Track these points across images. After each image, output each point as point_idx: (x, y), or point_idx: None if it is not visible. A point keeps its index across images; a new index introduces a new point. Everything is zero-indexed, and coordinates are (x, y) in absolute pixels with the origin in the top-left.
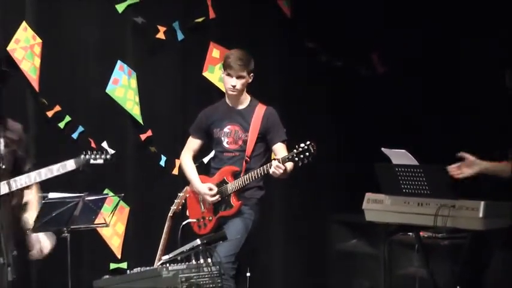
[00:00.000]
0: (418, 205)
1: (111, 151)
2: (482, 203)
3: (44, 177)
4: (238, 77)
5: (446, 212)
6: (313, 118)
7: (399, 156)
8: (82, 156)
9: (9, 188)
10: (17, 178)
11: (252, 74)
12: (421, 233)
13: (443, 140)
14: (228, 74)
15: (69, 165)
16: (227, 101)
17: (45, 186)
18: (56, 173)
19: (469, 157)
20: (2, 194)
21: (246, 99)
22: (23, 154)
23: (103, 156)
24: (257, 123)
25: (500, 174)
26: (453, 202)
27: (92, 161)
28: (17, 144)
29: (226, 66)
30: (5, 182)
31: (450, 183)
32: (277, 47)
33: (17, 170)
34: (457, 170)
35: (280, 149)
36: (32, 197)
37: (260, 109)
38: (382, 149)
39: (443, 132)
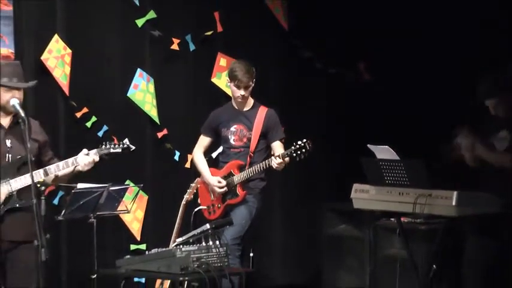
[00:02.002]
0: (399, 194)
1: (132, 147)
2: (455, 192)
3: (71, 165)
4: (246, 88)
5: (423, 201)
6: (308, 118)
7: (383, 152)
8: (103, 146)
9: (47, 174)
10: (52, 166)
11: (254, 80)
12: (402, 219)
13: (421, 137)
14: (237, 86)
15: (93, 153)
16: (233, 104)
17: (75, 177)
18: (91, 159)
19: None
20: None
21: (249, 102)
22: (45, 145)
23: (121, 146)
24: (259, 123)
25: (491, 163)
26: (429, 192)
27: (111, 150)
28: (38, 137)
29: (234, 78)
30: (41, 169)
31: (427, 175)
32: (276, 56)
33: (39, 160)
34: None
35: (277, 147)
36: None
37: (262, 111)
38: (368, 145)
39: (422, 130)
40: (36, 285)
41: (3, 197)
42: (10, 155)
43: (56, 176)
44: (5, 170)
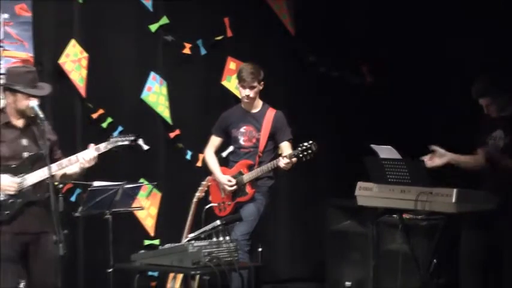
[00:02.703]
0: (401, 192)
1: (146, 146)
2: (454, 190)
3: (86, 157)
4: (251, 88)
5: (424, 198)
6: (314, 119)
7: (385, 151)
8: (111, 139)
9: (62, 167)
10: (64, 160)
11: (262, 82)
12: (404, 215)
13: (421, 137)
14: (242, 86)
15: (103, 147)
16: (243, 106)
17: (91, 176)
18: (101, 151)
19: (439, 149)
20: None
21: (258, 104)
22: (55, 144)
23: (128, 139)
24: (268, 125)
25: (466, 166)
26: (430, 189)
27: (119, 143)
28: (50, 136)
29: (240, 79)
30: (54, 164)
31: (427, 173)
32: (283, 60)
33: (49, 158)
34: (428, 160)
35: (286, 147)
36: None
37: (270, 112)
38: (371, 145)
39: (421, 130)
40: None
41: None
42: (26, 154)
43: (64, 173)
44: (22, 166)
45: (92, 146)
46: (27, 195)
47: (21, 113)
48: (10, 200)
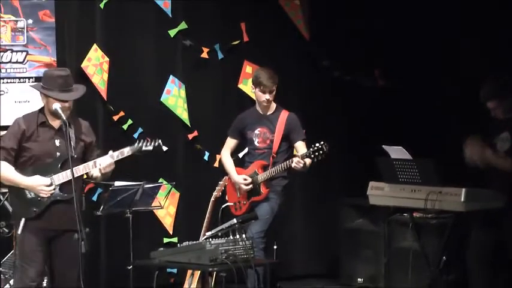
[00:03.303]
0: (412, 191)
1: (164, 147)
2: (463, 189)
3: (102, 164)
4: (270, 92)
5: (434, 197)
6: (327, 121)
7: (396, 152)
8: (136, 144)
9: (88, 169)
10: (89, 163)
11: (277, 85)
12: (414, 214)
13: (432, 138)
14: (262, 91)
15: (126, 151)
16: (257, 108)
17: (112, 176)
18: (115, 158)
19: (478, 142)
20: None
21: (272, 107)
22: (90, 145)
23: (152, 144)
24: (281, 126)
25: (501, 167)
26: (440, 189)
27: (143, 148)
28: (85, 138)
29: (259, 84)
30: (81, 165)
31: (437, 173)
32: (298, 64)
33: (84, 159)
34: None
35: (300, 146)
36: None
37: (284, 114)
38: (383, 146)
39: (432, 131)
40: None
41: (49, 192)
42: (58, 153)
43: (89, 175)
44: (50, 166)
45: (110, 152)
46: (55, 195)
47: (54, 115)
48: (38, 198)
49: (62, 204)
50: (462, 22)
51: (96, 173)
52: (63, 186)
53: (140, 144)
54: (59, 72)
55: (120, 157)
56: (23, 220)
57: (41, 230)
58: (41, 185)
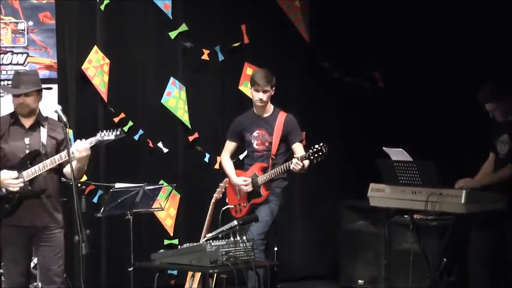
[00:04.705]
0: (412, 193)
1: (165, 149)
2: (464, 191)
3: (63, 158)
4: (264, 91)
5: (434, 199)
6: (327, 122)
7: (397, 154)
8: (98, 134)
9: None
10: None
11: (273, 88)
12: (415, 216)
13: (432, 140)
14: (256, 90)
15: (90, 141)
16: (255, 110)
17: (113, 177)
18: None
19: (467, 183)
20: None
21: (270, 109)
22: (62, 142)
23: (114, 134)
24: (279, 128)
25: (497, 181)
26: (440, 190)
27: (105, 137)
28: (56, 135)
29: (253, 83)
30: (48, 160)
31: (437, 175)
32: (298, 65)
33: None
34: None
35: (298, 148)
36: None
37: (282, 116)
38: (383, 147)
39: (432, 133)
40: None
41: (16, 184)
42: (27, 151)
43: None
44: (20, 163)
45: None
46: (25, 191)
47: (20, 113)
48: (10, 195)
49: (33, 201)
50: (462, 22)
51: (67, 167)
52: (34, 182)
53: (102, 134)
54: (18, 72)
55: (90, 144)
56: None
57: (17, 227)
58: (7, 178)
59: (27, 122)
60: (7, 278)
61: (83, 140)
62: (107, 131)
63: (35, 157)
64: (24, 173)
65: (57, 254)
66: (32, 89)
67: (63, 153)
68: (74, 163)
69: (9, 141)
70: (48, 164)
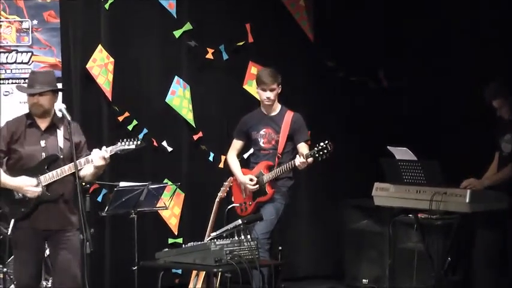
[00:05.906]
0: (417, 192)
1: (170, 148)
2: (468, 190)
3: (83, 164)
4: (271, 90)
5: (439, 198)
6: (332, 121)
7: (401, 153)
8: (118, 143)
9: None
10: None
11: (280, 86)
12: (419, 215)
13: (436, 139)
14: (263, 89)
15: (110, 150)
16: (262, 109)
17: (117, 176)
18: (109, 153)
19: (473, 183)
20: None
21: (277, 107)
22: (78, 145)
23: (134, 143)
24: (286, 127)
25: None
26: (445, 190)
27: (126, 147)
28: (74, 140)
29: (260, 82)
30: (70, 164)
31: (442, 175)
32: (303, 65)
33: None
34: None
35: (303, 148)
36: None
37: (288, 115)
38: (388, 146)
39: (437, 132)
40: (81, 273)
41: (35, 192)
42: (44, 154)
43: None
44: (37, 167)
45: (103, 148)
46: (42, 195)
47: (41, 116)
48: (26, 198)
49: (49, 204)
50: (463, 22)
51: (84, 171)
52: (51, 186)
53: (122, 143)
54: (34, 71)
55: (109, 153)
56: (12, 221)
57: (32, 230)
58: (27, 185)
59: (43, 124)
60: (18, 280)
61: (103, 148)
62: (127, 140)
63: (52, 162)
64: (42, 177)
65: (74, 256)
66: (46, 88)
67: (83, 160)
68: (91, 168)
69: (26, 145)
70: (66, 170)
